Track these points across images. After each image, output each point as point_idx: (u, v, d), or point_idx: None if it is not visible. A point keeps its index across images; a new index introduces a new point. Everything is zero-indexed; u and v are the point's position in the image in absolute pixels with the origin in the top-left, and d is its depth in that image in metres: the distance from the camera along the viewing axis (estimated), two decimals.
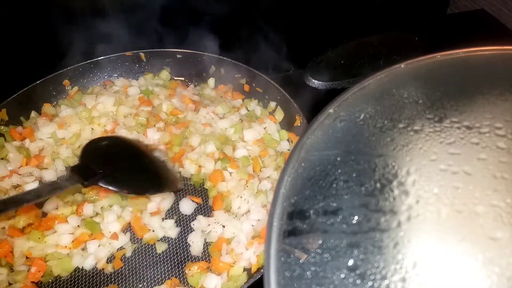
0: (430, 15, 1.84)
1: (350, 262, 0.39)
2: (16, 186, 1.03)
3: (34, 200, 0.75)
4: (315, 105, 1.13)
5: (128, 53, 1.32)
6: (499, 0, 1.68)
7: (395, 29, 1.48)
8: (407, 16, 1.72)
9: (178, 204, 1.03)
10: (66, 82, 1.26)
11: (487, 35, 1.17)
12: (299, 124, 1.15)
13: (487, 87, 0.53)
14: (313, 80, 1.32)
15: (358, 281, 0.38)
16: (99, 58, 1.29)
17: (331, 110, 0.53)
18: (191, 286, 0.89)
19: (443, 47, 0.58)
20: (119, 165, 0.90)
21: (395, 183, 0.45)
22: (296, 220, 0.43)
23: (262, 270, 0.85)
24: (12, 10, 1.32)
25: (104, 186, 0.83)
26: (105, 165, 0.86)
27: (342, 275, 0.38)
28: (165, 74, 1.35)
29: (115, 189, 0.85)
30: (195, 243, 0.95)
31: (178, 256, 0.94)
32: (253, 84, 1.28)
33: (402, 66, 0.57)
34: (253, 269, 0.90)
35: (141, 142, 1.09)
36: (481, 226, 0.40)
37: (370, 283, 0.37)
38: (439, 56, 0.57)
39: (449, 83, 0.55)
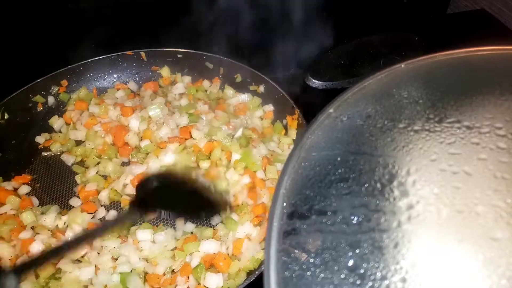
0: (430, 15, 1.84)
1: (350, 262, 0.39)
2: None
3: (102, 233, 0.83)
4: (315, 105, 1.13)
5: (128, 53, 1.31)
6: (499, 0, 1.68)
7: (395, 29, 1.47)
8: (407, 16, 1.72)
9: None
10: (63, 81, 1.26)
11: (487, 35, 1.16)
12: (296, 126, 1.14)
13: (487, 87, 0.52)
14: (313, 80, 1.32)
15: (358, 281, 0.38)
16: (100, 57, 1.29)
17: (331, 110, 0.53)
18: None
19: (443, 47, 0.58)
20: (173, 194, 0.90)
21: (395, 183, 0.44)
22: (296, 220, 0.43)
23: (262, 269, 0.85)
24: (11, 10, 1.32)
25: (163, 210, 0.87)
26: (160, 196, 0.88)
27: (342, 275, 0.38)
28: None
29: (173, 213, 0.89)
30: None
31: None
32: (253, 84, 1.28)
33: (402, 66, 0.57)
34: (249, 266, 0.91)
35: (187, 172, 1.05)
36: (481, 226, 0.40)
37: (370, 283, 0.37)
38: (439, 56, 0.57)
39: (449, 83, 0.55)
